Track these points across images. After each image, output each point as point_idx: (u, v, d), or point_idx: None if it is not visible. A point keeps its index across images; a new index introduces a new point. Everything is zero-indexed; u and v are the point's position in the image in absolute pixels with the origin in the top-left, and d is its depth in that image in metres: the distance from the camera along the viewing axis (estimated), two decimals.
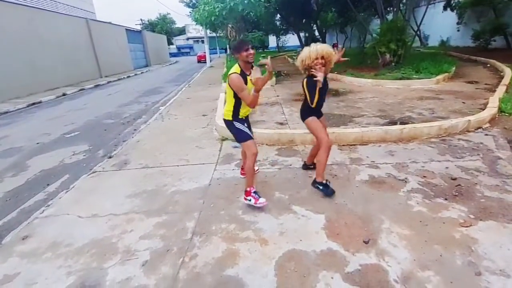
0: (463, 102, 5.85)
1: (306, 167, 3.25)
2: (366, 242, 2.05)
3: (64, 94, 12.07)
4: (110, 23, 22.58)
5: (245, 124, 2.64)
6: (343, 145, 3.88)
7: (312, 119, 2.74)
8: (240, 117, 2.59)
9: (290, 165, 3.42)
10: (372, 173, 3.06)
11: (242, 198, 2.75)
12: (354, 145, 3.87)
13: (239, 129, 2.56)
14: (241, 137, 2.56)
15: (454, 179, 2.86)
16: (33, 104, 10.07)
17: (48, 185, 3.56)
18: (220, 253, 2.04)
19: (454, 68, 9.52)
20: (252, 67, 2.47)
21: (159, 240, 2.22)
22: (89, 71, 17.26)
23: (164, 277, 1.88)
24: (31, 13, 13.11)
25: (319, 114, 2.81)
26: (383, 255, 1.93)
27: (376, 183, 2.86)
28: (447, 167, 3.11)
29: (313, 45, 2.57)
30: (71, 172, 3.90)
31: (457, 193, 2.61)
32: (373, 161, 3.35)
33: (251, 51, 2.35)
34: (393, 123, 4.71)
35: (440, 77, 8.26)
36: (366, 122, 4.81)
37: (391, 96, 6.82)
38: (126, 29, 24.79)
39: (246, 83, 2.38)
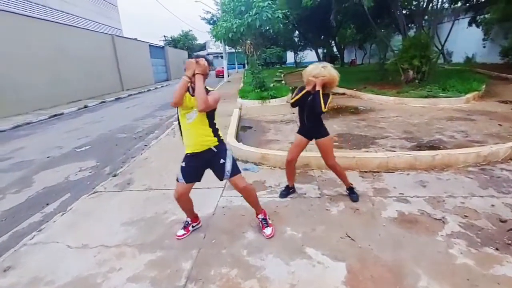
0: (500, 125, 5.28)
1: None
2: None
3: (85, 106, 12.42)
4: (135, 39, 23.60)
5: (191, 164, 2.17)
6: (365, 172, 3.47)
7: (295, 137, 2.86)
8: (186, 152, 2.19)
9: (305, 194, 3.05)
10: (401, 209, 2.63)
11: (248, 233, 2.41)
12: (378, 172, 3.45)
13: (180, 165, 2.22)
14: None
15: (504, 221, 2.38)
16: (55, 115, 10.37)
17: (47, 204, 3.39)
18: None
19: (484, 86, 8.87)
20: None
21: (148, 285, 1.90)
22: (111, 84, 17.89)
23: None
24: (58, 29, 13.84)
25: (306, 133, 2.76)
26: None
27: (407, 222, 2.42)
28: (492, 205, 2.62)
29: (311, 66, 2.63)
30: (73, 190, 3.73)
31: (510, 241, 2.13)
32: (402, 193, 2.91)
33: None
34: (422, 146, 4.24)
35: (469, 95, 7.67)
36: (391, 145, 4.37)
37: (417, 115, 6.32)
38: (150, 45, 25.80)
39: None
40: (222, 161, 2.16)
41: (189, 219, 2.46)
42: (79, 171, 4.45)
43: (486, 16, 16.07)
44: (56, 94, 12.63)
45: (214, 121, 2.16)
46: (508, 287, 1.73)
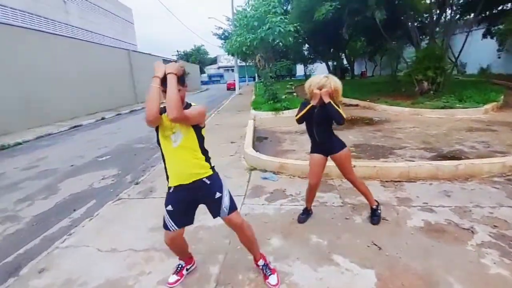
0: None
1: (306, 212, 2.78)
2: None
3: (102, 118, 12.86)
4: (149, 54, 24.50)
5: (178, 202, 1.75)
6: (386, 181, 3.45)
7: (311, 156, 2.60)
8: (169, 185, 1.77)
9: (326, 202, 3.05)
10: (427, 218, 2.59)
11: (272, 240, 2.43)
12: (399, 181, 3.42)
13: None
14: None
15: None
16: (75, 127, 10.77)
17: (74, 210, 3.51)
18: None
19: (502, 97, 8.73)
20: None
21: None
22: (126, 97, 18.49)
23: None
24: (80, 45, 14.59)
25: (321, 150, 2.53)
26: None
27: (434, 232, 2.39)
28: None
29: (312, 78, 2.49)
30: (98, 197, 3.85)
31: None
32: (426, 203, 2.88)
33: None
34: (443, 157, 4.19)
35: (488, 106, 7.56)
36: (410, 155, 4.34)
37: (434, 126, 6.26)
38: (163, 59, 26.68)
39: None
40: (218, 195, 1.76)
41: (182, 262, 2.05)
42: (102, 179, 4.59)
43: (500, 27, 15.94)
44: (75, 107, 13.14)
45: (204, 143, 1.77)
46: None
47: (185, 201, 1.77)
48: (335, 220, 2.69)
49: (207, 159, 1.79)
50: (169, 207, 1.77)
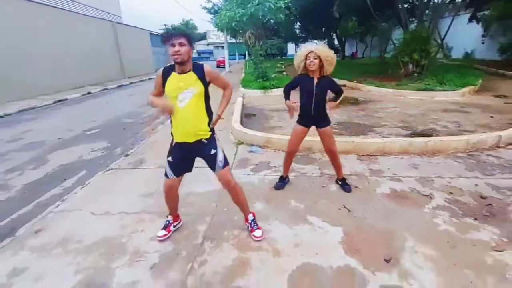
0: (491, 117, 5.54)
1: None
2: (387, 261, 1.90)
3: (88, 93, 12.53)
4: (135, 27, 23.39)
5: (178, 156, 1.99)
6: (363, 155, 3.72)
7: (295, 128, 2.79)
8: (175, 140, 1.98)
9: (306, 173, 3.31)
10: (394, 187, 2.89)
11: (256, 204, 2.67)
12: (374, 155, 3.70)
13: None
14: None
15: (484, 197, 2.65)
16: (59, 101, 10.49)
17: (65, 179, 3.63)
18: (231, 262, 1.95)
19: (480, 81, 9.10)
20: (182, 64, 1.80)
21: (169, 242, 2.17)
22: (113, 71, 17.90)
23: (172, 283, 1.81)
24: (63, 16, 13.79)
25: (309, 123, 2.72)
26: (407, 276, 1.78)
27: (399, 198, 2.69)
28: (476, 185, 2.89)
29: (302, 49, 2.58)
30: (88, 168, 3.96)
31: (488, 214, 2.40)
32: (395, 174, 3.18)
33: (176, 48, 1.74)
34: (416, 134, 4.50)
35: (465, 89, 7.91)
36: (388, 133, 4.62)
37: (414, 107, 6.57)
38: (150, 33, 25.60)
39: (164, 81, 1.87)
40: (213, 151, 1.97)
41: (170, 218, 2.29)
42: (92, 151, 4.67)
43: (486, 12, 16.15)
44: (59, 80, 12.68)
45: (210, 104, 1.96)
46: (482, 248, 2.01)
47: (185, 156, 2.01)
48: (313, 188, 2.95)
49: (209, 123, 1.96)
50: (170, 158, 2.02)
